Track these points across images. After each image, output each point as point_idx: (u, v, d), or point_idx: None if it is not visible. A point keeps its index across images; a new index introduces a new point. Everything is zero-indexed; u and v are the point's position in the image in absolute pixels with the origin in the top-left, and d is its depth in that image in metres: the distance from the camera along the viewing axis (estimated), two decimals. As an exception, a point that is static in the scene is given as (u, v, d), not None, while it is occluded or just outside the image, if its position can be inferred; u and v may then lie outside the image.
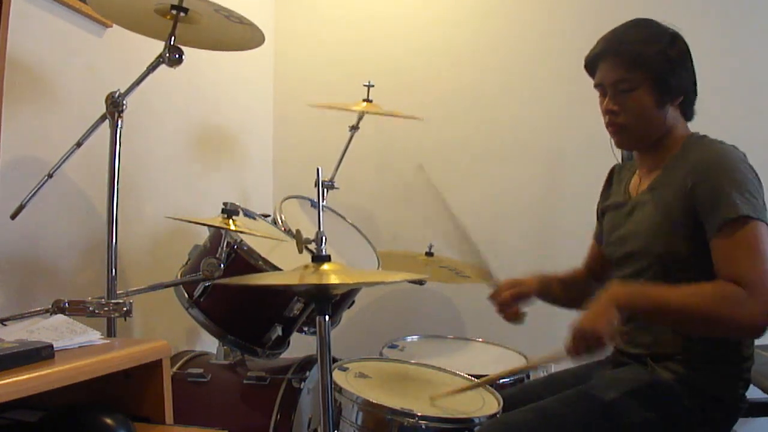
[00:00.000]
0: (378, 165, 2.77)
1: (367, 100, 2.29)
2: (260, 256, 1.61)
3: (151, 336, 2.02)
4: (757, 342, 1.35)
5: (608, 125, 1.41)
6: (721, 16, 2.49)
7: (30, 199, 1.34)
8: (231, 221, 1.53)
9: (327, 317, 1.19)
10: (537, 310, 2.48)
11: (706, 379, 1.28)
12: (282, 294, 1.67)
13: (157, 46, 1.39)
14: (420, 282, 2.35)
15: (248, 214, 1.85)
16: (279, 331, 1.66)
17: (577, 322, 1.18)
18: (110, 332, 1.40)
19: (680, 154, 1.36)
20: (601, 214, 1.60)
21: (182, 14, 1.37)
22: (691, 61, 1.38)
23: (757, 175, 1.28)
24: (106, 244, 1.38)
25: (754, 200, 1.22)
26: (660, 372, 1.32)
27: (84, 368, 0.93)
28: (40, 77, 1.58)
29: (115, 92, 1.38)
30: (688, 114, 1.41)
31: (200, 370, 1.71)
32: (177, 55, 1.38)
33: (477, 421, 1.35)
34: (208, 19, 1.42)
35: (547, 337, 2.54)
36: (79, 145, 1.39)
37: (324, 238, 1.24)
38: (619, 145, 1.44)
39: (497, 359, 2.01)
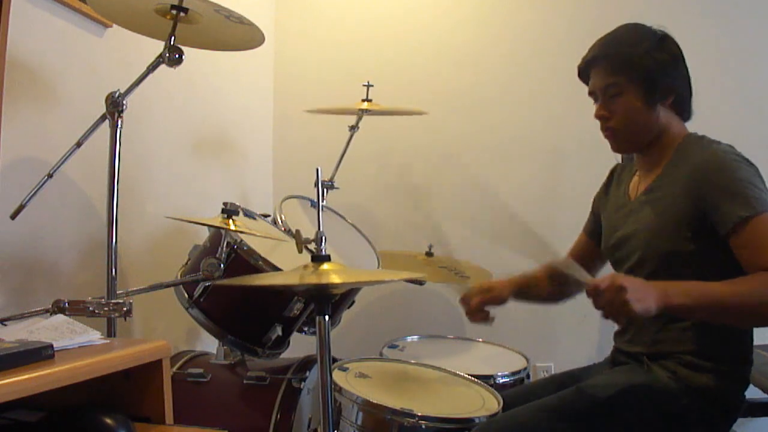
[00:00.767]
0: (378, 165, 2.78)
1: (367, 100, 2.29)
2: (260, 256, 1.61)
3: (151, 336, 2.02)
4: (756, 342, 1.35)
5: (603, 131, 1.43)
6: (720, 17, 2.50)
7: (30, 199, 1.34)
8: (231, 221, 1.53)
9: (327, 317, 1.19)
10: (537, 310, 2.49)
11: (704, 378, 1.29)
12: (282, 294, 1.67)
13: (157, 46, 1.39)
14: (420, 282, 2.35)
15: (248, 214, 1.85)
16: (279, 331, 1.66)
17: (623, 279, 1.11)
18: (110, 332, 1.40)
19: (679, 154, 1.37)
20: (596, 210, 1.61)
21: (182, 14, 1.36)
22: (683, 62, 1.39)
23: (755, 166, 1.30)
24: (106, 244, 1.38)
25: (761, 192, 1.24)
26: (659, 371, 1.32)
27: (84, 368, 0.93)
28: (40, 77, 1.58)
29: (115, 92, 1.38)
30: (684, 113, 1.41)
31: (200, 370, 1.71)
32: (177, 55, 1.38)
33: (477, 421, 1.36)
34: (208, 19, 1.42)
35: (548, 337, 2.56)
36: (79, 145, 1.38)
37: (324, 238, 1.24)
38: (614, 149, 1.46)
39: (497, 359, 2.01)
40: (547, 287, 1.60)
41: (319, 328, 1.19)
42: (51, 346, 0.93)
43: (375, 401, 1.39)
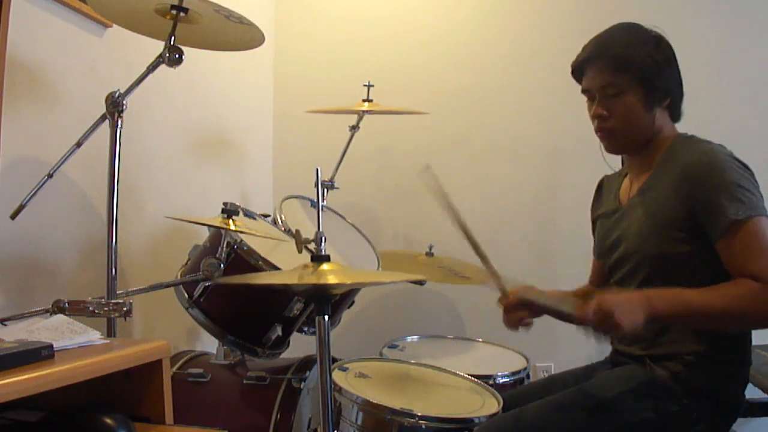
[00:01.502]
0: (378, 165, 2.78)
1: (367, 100, 2.29)
2: (260, 256, 1.61)
3: (151, 336, 2.02)
4: (756, 342, 1.35)
5: (597, 130, 1.42)
6: (718, 17, 2.50)
7: (30, 199, 1.34)
8: (231, 221, 1.53)
9: (327, 317, 1.19)
10: (537, 310, 2.49)
11: (704, 378, 1.29)
12: (282, 294, 1.67)
13: (157, 46, 1.39)
14: (420, 282, 2.35)
15: (248, 214, 1.85)
16: (279, 331, 1.66)
17: (607, 302, 1.14)
18: (110, 332, 1.39)
19: (668, 155, 1.37)
20: (594, 225, 1.61)
21: (182, 14, 1.36)
22: (676, 64, 1.39)
23: (747, 167, 1.29)
24: (106, 244, 1.38)
25: (752, 195, 1.23)
26: (659, 371, 1.32)
27: (84, 368, 0.93)
28: (40, 77, 1.58)
29: (115, 92, 1.38)
30: (675, 115, 1.41)
31: (200, 370, 1.71)
32: (177, 55, 1.38)
33: (477, 421, 1.36)
34: (208, 19, 1.42)
35: (548, 337, 2.56)
36: (79, 145, 1.38)
37: (323, 238, 1.24)
38: (609, 149, 1.45)
39: (497, 359, 2.01)
40: None
41: (319, 328, 1.19)
42: (51, 346, 0.93)
43: (375, 401, 1.40)
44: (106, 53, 1.79)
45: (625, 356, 1.44)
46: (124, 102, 1.38)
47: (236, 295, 1.68)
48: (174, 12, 1.36)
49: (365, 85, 2.30)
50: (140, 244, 1.99)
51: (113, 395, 1.08)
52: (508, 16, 2.68)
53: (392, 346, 2.06)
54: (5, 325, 1.23)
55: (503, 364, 1.91)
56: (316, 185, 1.29)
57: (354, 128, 2.36)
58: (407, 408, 1.37)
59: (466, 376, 1.65)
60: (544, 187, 2.64)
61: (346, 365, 1.63)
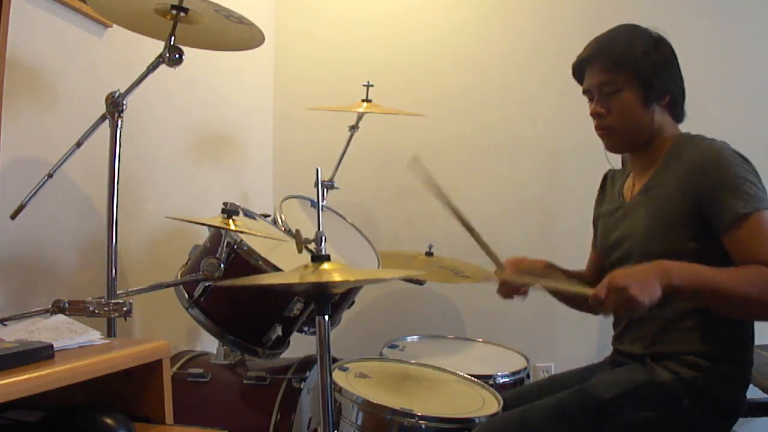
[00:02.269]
0: (378, 165, 2.77)
1: (367, 100, 2.29)
2: (260, 256, 1.61)
3: (151, 336, 2.02)
4: (757, 342, 1.35)
5: (597, 129, 1.43)
6: (719, 17, 2.50)
7: (30, 199, 1.34)
8: (231, 221, 1.53)
9: (327, 317, 1.19)
10: (537, 311, 2.50)
11: (705, 378, 1.29)
12: (282, 294, 1.67)
13: (157, 46, 1.39)
14: (420, 282, 2.35)
15: (248, 214, 1.85)
16: (279, 331, 1.66)
17: (619, 278, 1.11)
18: (110, 332, 1.40)
19: (672, 153, 1.37)
20: (596, 221, 1.61)
21: (182, 14, 1.37)
22: (677, 64, 1.40)
23: (749, 161, 1.30)
24: (106, 244, 1.38)
25: (757, 189, 1.24)
26: (659, 372, 1.32)
27: (84, 368, 0.93)
28: (40, 77, 1.58)
29: (115, 92, 1.38)
30: (677, 115, 1.42)
31: (200, 370, 1.71)
32: (177, 55, 1.38)
33: (477, 421, 1.36)
34: (208, 19, 1.42)
35: (548, 337, 2.56)
36: (79, 145, 1.38)
37: (324, 237, 1.24)
38: (609, 148, 1.45)
39: (497, 359, 2.01)
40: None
41: (319, 328, 1.19)
42: (51, 346, 0.93)
43: (375, 401, 1.40)
44: (106, 53, 1.79)
45: (625, 356, 1.44)
46: (124, 102, 1.38)
47: (236, 295, 1.68)
48: (174, 12, 1.36)
49: (365, 85, 2.30)
50: (140, 244, 1.99)
51: (113, 395, 1.08)
52: (508, 16, 2.68)
53: (392, 346, 2.06)
54: (5, 325, 1.23)
55: (503, 364, 1.91)
56: (316, 185, 1.29)
57: (354, 128, 2.36)
58: (407, 408, 1.37)
59: (466, 376, 1.65)
60: (544, 188, 2.64)
61: (346, 365, 1.63)
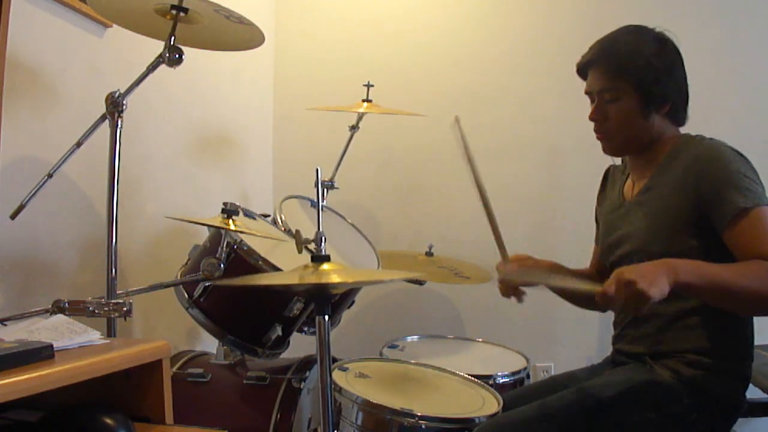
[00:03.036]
0: (378, 165, 2.77)
1: (367, 100, 2.29)
2: (260, 256, 1.61)
3: (151, 336, 2.02)
4: (757, 342, 1.35)
5: (595, 132, 1.44)
6: (720, 17, 2.50)
7: (30, 199, 1.34)
8: (231, 221, 1.53)
9: (327, 317, 1.19)
10: (537, 311, 2.50)
11: (706, 378, 1.29)
12: (282, 294, 1.67)
13: (157, 46, 1.39)
14: (420, 282, 2.35)
15: (248, 214, 1.85)
16: (279, 331, 1.66)
17: (628, 273, 1.10)
18: (110, 332, 1.39)
19: (673, 153, 1.37)
20: (598, 218, 1.61)
21: (182, 14, 1.37)
22: (681, 67, 1.39)
23: (748, 160, 1.31)
24: (106, 244, 1.38)
25: (756, 185, 1.25)
26: (660, 371, 1.32)
27: (84, 368, 0.93)
28: (40, 77, 1.58)
29: (115, 92, 1.38)
30: (678, 119, 1.41)
31: (200, 370, 1.71)
32: (177, 55, 1.38)
33: (477, 421, 1.36)
34: (208, 19, 1.42)
35: (548, 337, 2.56)
36: (79, 145, 1.38)
37: (324, 238, 1.24)
38: (606, 151, 1.46)
39: (497, 359, 2.01)
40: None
41: (319, 328, 1.19)
42: (51, 346, 0.93)
43: (375, 401, 1.40)
44: (106, 53, 1.79)
45: (625, 355, 1.44)
46: (124, 102, 1.38)
47: (236, 295, 1.68)
48: (174, 12, 1.36)
49: (365, 85, 2.30)
50: (140, 244, 1.99)
51: (113, 395, 1.08)
52: (508, 16, 2.68)
53: (392, 346, 2.06)
54: (5, 325, 1.23)
55: (503, 364, 1.91)
56: (316, 185, 1.29)
57: (354, 128, 2.36)
58: (407, 408, 1.37)
59: (466, 376, 1.65)
60: (544, 187, 2.64)
61: (346, 365, 1.63)
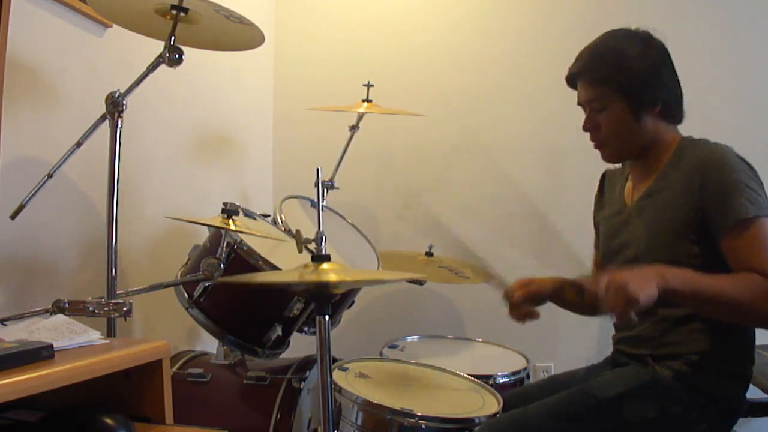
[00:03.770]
0: (378, 165, 2.77)
1: (367, 100, 2.29)
2: (260, 256, 1.61)
3: (151, 336, 2.02)
4: (757, 342, 1.35)
5: (591, 141, 1.44)
6: (719, 17, 2.50)
7: (30, 199, 1.34)
8: (231, 221, 1.53)
9: (327, 317, 1.19)
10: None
11: (706, 378, 1.29)
12: (282, 294, 1.67)
13: (157, 46, 1.39)
14: (420, 282, 2.35)
15: (248, 214, 1.85)
16: (279, 331, 1.66)
17: (619, 275, 1.11)
18: (110, 332, 1.39)
19: (676, 157, 1.36)
20: (597, 224, 1.60)
21: (182, 14, 1.36)
22: (668, 66, 1.38)
23: (753, 168, 1.30)
24: (106, 244, 1.38)
25: (758, 196, 1.24)
26: (661, 371, 1.32)
27: (84, 368, 0.93)
28: (40, 77, 1.58)
29: (115, 92, 1.38)
30: (673, 118, 1.40)
31: (200, 370, 1.71)
32: (177, 55, 1.38)
33: (477, 421, 1.36)
34: (208, 19, 1.42)
35: (548, 337, 2.56)
36: (79, 145, 1.38)
37: (324, 237, 1.24)
38: (605, 158, 1.47)
39: (497, 359, 2.01)
40: (577, 300, 1.54)
41: (319, 328, 1.19)
42: (51, 346, 0.93)
43: (375, 401, 1.40)
44: (106, 53, 1.79)
45: (626, 356, 1.44)
46: (124, 102, 1.38)
47: (236, 295, 1.68)
48: (174, 12, 1.36)
49: (365, 85, 2.30)
50: (140, 244, 1.99)
51: (113, 395, 1.08)
52: (508, 15, 2.68)
53: (392, 346, 2.06)
54: (5, 325, 1.23)
55: (503, 364, 1.91)
56: (316, 185, 1.29)
57: (354, 128, 2.36)
58: (407, 408, 1.37)
59: (466, 376, 1.65)
60: (545, 187, 2.64)
61: (346, 365, 1.63)
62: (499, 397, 1.48)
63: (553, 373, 2.52)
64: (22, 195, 1.34)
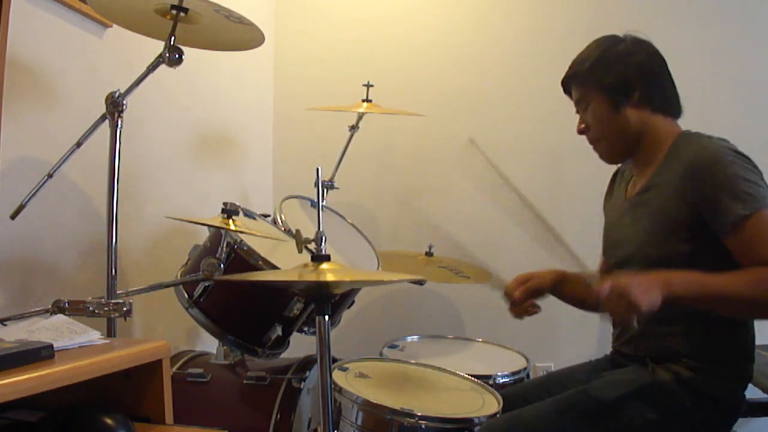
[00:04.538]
0: (378, 165, 2.77)
1: (367, 100, 2.29)
2: (260, 256, 1.61)
3: (151, 336, 2.02)
4: (757, 342, 1.35)
5: (589, 143, 1.48)
6: (718, 17, 2.50)
7: (30, 199, 1.34)
8: (231, 221, 1.53)
9: (327, 317, 1.19)
10: (537, 310, 2.49)
11: (706, 379, 1.29)
12: (282, 294, 1.67)
13: (157, 46, 1.39)
14: (420, 282, 2.35)
15: (248, 214, 1.85)
16: (279, 331, 1.66)
17: (622, 281, 1.11)
18: (110, 332, 1.39)
19: (671, 153, 1.36)
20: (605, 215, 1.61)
21: (182, 14, 1.36)
22: (641, 53, 1.39)
23: (749, 158, 1.28)
24: (106, 244, 1.38)
25: (757, 187, 1.23)
26: (660, 372, 1.32)
27: (84, 368, 0.93)
28: (40, 77, 1.58)
29: (115, 92, 1.38)
30: (660, 107, 1.39)
31: (200, 370, 1.71)
32: (177, 55, 1.38)
33: (477, 421, 1.36)
34: (208, 19, 1.42)
35: (548, 337, 2.56)
36: (79, 145, 1.38)
37: (324, 237, 1.24)
38: (604, 159, 1.48)
39: (497, 359, 2.01)
40: (579, 295, 1.56)
41: (319, 328, 1.19)
42: (51, 346, 0.93)
43: (375, 401, 1.40)
44: (106, 53, 1.79)
45: (626, 357, 1.44)
46: (124, 102, 1.38)
47: (236, 295, 1.68)
48: (174, 12, 1.36)
49: (365, 85, 2.30)
50: (140, 244, 1.99)
51: (113, 395, 1.08)
52: (508, 16, 2.68)
53: (392, 346, 2.06)
54: (5, 325, 1.23)
55: (503, 364, 1.91)
56: (316, 185, 1.29)
57: (354, 128, 2.36)
58: (407, 408, 1.37)
59: (466, 376, 1.65)
60: (545, 187, 2.64)
61: (346, 365, 1.63)
62: (499, 397, 1.48)
63: (553, 373, 2.52)
64: (22, 195, 1.34)
